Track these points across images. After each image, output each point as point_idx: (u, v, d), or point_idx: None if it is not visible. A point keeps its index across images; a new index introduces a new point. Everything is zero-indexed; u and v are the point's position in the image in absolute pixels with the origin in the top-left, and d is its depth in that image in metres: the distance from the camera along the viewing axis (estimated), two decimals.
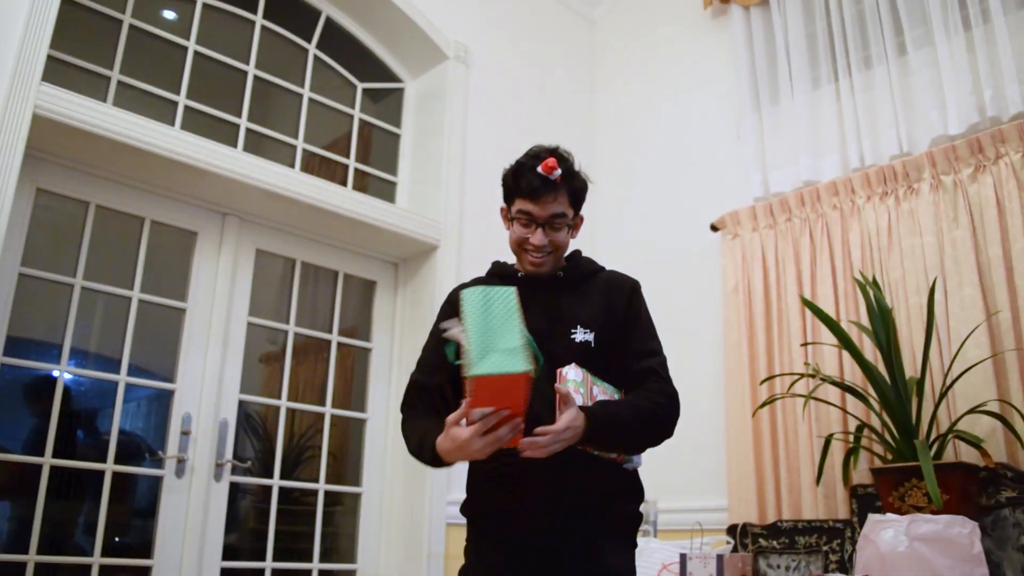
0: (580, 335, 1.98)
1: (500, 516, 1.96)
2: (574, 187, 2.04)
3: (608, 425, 1.85)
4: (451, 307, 2.07)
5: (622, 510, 2.02)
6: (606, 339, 2.00)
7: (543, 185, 1.97)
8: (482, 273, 2.23)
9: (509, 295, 1.75)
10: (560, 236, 2.04)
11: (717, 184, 4.25)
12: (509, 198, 2.07)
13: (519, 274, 2.10)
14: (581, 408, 1.81)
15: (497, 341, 1.66)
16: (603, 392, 1.95)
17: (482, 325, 1.68)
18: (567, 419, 1.76)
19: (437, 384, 2.04)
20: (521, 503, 1.91)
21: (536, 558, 1.91)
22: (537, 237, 2.00)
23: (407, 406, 2.10)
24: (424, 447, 1.88)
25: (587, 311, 2.03)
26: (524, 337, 1.69)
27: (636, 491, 2.05)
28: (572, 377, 1.87)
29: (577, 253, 2.19)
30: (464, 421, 1.72)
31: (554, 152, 2.02)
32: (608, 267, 2.19)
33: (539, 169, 1.97)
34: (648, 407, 1.93)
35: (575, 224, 2.10)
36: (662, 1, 4.88)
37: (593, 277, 2.13)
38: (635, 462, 2.02)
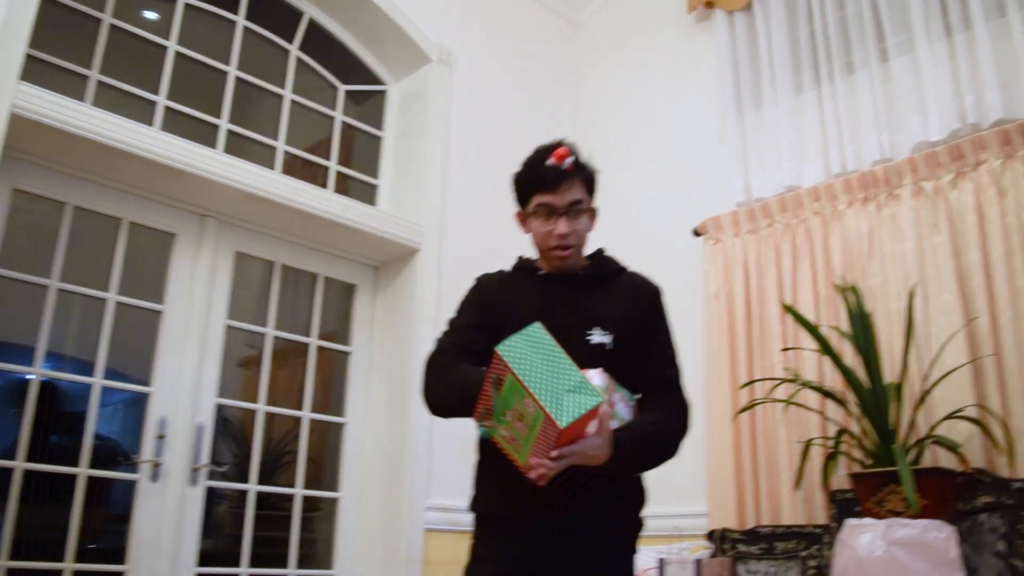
0: (596, 337, 1.97)
1: (511, 516, 1.95)
2: (586, 175, 2.06)
3: (630, 459, 1.87)
4: (480, 293, 2.13)
5: (630, 517, 2.03)
6: (624, 342, 1.99)
7: (558, 175, 1.99)
8: (473, 276, 2.22)
9: (539, 330, 1.75)
10: (581, 224, 2.04)
11: (700, 189, 4.25)
12: (525, 196, 2.07)
13: (540, 271, 2.10)
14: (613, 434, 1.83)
15: (559, 382, 1.68)
16: (622, 400, 1.95)
17: (539, 374, 1.68)
18: (595, 443, 1.77)
19: (475, 350, 2.01)
20: (534, 505, 1.89)
21: (545, 561, 1.90)
22: (561, 226, 2.00)
23: (442, 352, 2.06)
24: (470, 398, 1.82)
25: (609, 312, 2.02)
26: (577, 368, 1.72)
27: (642, 496, 2.06)
28: (597, 383, 1.84)
29: (601, 251, 2.19)
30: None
31: (561, 143, 2.04)
32: None
33: (551, 161, 1.99)
34: (668, 433, 1.97)
35: (592, 215, 2.11)
36: (647, 5, 4.88)
37: (617, 277, 2.13)
38: None
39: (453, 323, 2.13)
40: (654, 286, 2.15)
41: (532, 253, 2.16)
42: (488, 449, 2.03)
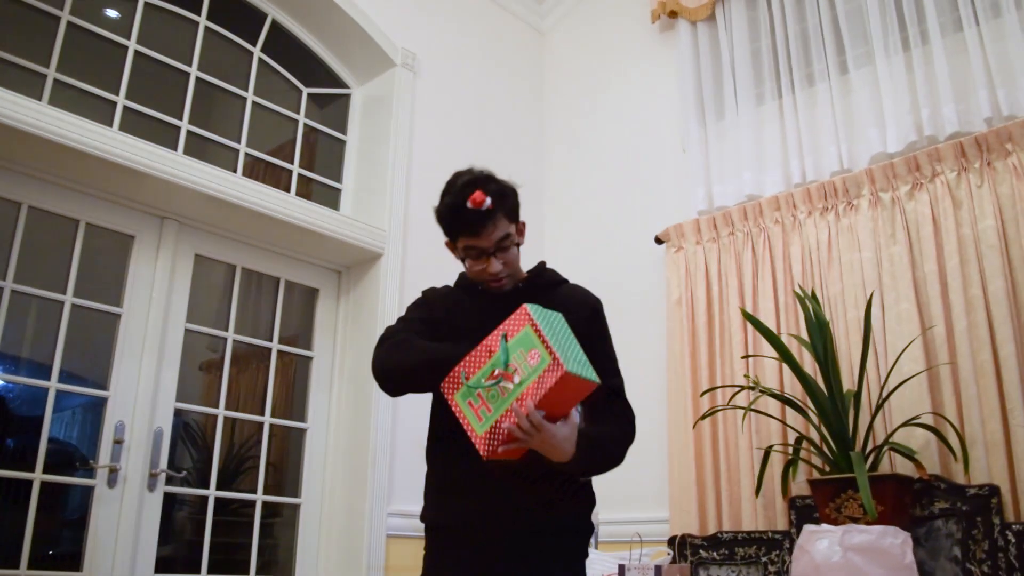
0: None
1: (459, 525, 1.96)
2: (507, 206, 2.02)
3: (587, 462, 1.90)
4: (426, 302, 2.18)
5: (580, 522, 2.04)
6: None
7: (480, 218, 1.96)
8: (437, 282, 2.27)
9: (561, 318, 1.84)
10: (511, 254, 2.05)
11: (663, 197, 4.29)
12: (451, 235, 2.06)
13: (479, 286, 2.10)
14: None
15: (570, 353, 1.75)
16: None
17: (555, 337, 1.75)
18: (564, 433, 1.80)
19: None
20: (480, 513, 1.92)
21: (501, 566, 1.91)
22: (492, 266, 2.01)
23: (398, 330, 2.11)
24: (436, 362, 1.89)
25: None
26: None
27: (592, 500, 2.08)
28: None
29: (541, 265, 2.20)
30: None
31: (476, 182, 1.99)
32: None
33: (469, 205, 1.95)
34: (620, 443, 2.02)
35: (520, 234, 2.11)
36: (611, 14, 4.92)
37: (555, 289, 2.14)
38: None
39: (403, 318, 2.18)
40: (594, 298, 2.16)
41: None
42: (439, 459, 2.06)
